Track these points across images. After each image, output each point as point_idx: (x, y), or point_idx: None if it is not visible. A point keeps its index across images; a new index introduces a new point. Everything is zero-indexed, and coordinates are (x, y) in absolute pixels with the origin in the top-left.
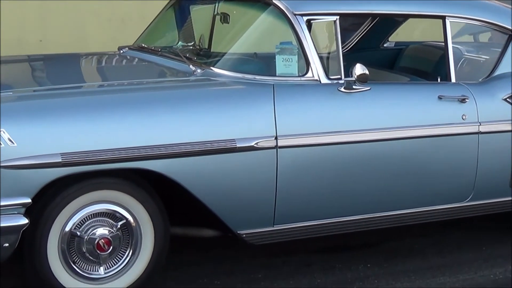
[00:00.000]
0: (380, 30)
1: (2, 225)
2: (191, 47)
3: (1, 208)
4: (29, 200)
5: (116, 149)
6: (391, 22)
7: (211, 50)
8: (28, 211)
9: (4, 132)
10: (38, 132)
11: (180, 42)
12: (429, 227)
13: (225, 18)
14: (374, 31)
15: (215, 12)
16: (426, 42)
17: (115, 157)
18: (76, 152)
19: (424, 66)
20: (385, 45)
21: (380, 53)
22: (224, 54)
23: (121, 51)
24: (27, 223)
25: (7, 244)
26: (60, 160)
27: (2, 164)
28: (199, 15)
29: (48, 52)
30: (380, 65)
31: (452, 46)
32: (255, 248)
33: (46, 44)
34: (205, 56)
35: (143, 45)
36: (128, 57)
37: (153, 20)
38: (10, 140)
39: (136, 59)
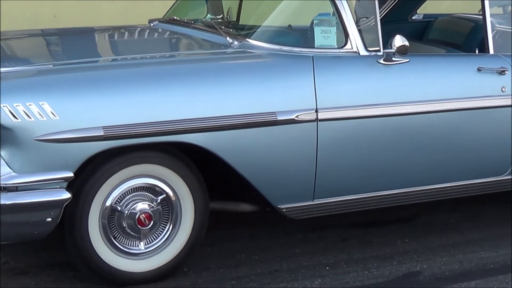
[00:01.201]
0: (409, 2)
1: (45, 199)
2: (220, 20)
3: (44, 182)
4: (72, 174)
5: (158, 122)
6: None
7: (240, 23)
8: (69, 185)
9: (46, 105)
10: (80, 105)
11: (208, 15)
12: (460, 202)
13: None
14: (403, 3)
15: None
16: (454, 14)
17: (157, 130)
18: (117, 125)
19: (454, 39)
20: (413, 17)
21: (408, 25)
22: (259, 26)
23: (152, 24)
24: (70, 197)
25: (49, 219)
26: (102, 134)
27: (44, 138)
28: None
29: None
30: (409, 37)
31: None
32: (289, 223)
33: (60, 19)
34: (239, 28)
35: (175, 17)
36: (160, 30)
37: None
38: (53, 113)
39: (169, 32)
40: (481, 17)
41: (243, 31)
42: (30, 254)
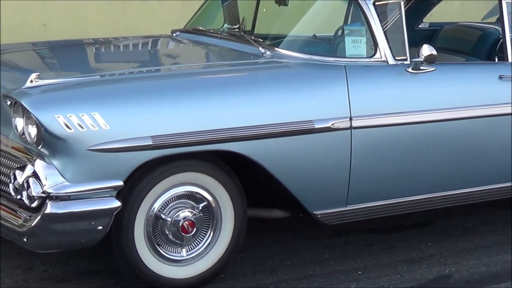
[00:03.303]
0: (415, 11)
1: (96, 208)
2: (237, 29)
3: (95, 191)
4: (121, 183)
5: (203, 131)
6: (426, 3)
7: (255, 32)
8: (117, 194)
9: (98, 116)
10: (129, 115)
11: (225, 25)
12: (473, 205)
13: (283, 0)
14: (409, 12)
15: None
16: (460, 22)
17: (202, 139)
18: (165, 134)
19: (462, 46)
20: (419, 26)
21: (415, 34)
22: (285, 35)
23: (174, 34)
24: (120, 206)
25: (100, 227)
26: (150, 143)
27: (96, 147)
28: None
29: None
30: (415, 46)
31: (499, 26)
32: (313, 228)
33: (49, 28)
34: (264, 38)
35: (200, 28)
36: (186, 40)
37: (203, 4)
38: (104, 124)
39: (196, 42)
40: (487, 25)
41: (268, 40)
42: (67, 263)
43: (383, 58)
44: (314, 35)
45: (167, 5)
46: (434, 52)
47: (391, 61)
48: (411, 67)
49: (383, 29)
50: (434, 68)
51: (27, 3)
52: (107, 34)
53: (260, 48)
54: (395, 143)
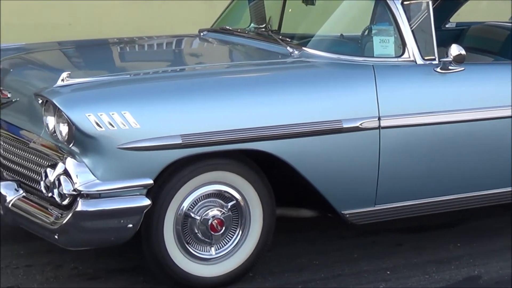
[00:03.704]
0: (443, 11)
1: (127, 206)
2: (263, 29)
3: (125, 189)
4: (151, 181)
5: (232, 130)
6: (454, 2)
7: (281, 31)
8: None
9: (128, 114)
10: (159, 113)
11: (252, 24)
12: (504, 206)
13: (310, 0)
14: (436, 12)
15: None
16: (487, 22)
17: (231, 138)
18: (195, 133)
19: (490, 46)
20: (446, 25)
21: (442, 33)
22: (312, 35)
23: (202, 34)
24: (150, 204)
25: (131, 225)
26: (180, 142)
27: (126, 146)
28: None
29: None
30: (442, 45)
31: None
32: (340, 228)
33: (74, 27)
34: (291, 37)
35: (227, 27)
36: (214, 40)
37: (229, 3)
38: (134, 122)
39: (224, 42)
40: None
41: (295, 40)
42: (96, 260)
43: (412, 58)
44: (342, 34)
45: (190, 4)
46: (463, 52)
47: (419, 61)
48: (439, 67)
49: (411, 29)
50: (463, 68)
51: (52, 3)
52: (131, 34)
53: (288, 48)
54: (423, 143)
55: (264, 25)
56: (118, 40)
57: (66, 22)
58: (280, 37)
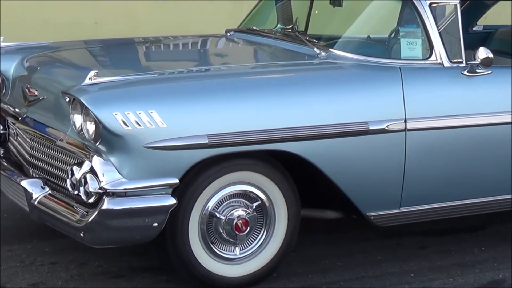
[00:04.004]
0: (470, 13)
1: (152, 204)
2: (290, 30)
3: (151, 188)
4: (177, 181)
5: (258, 131)
6: (481, 5)
7: (308, 33)
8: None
9: (155, 113)
10: (186, 113)
11: (279, 25)
12: None
13: (337, 1)
14: (464, 14)
15: None
16: None
17: (257, 138)
18: (221, 133)
19: None
20: (473, 28)
21: (469, 36)
22: (339, 36)
23: (229, 34)
24: (175, 203)
25: (156, 224)
26: (206, 141)
27: (153, 145)
28: None
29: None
30: (469, 48)
31: None
32: (365, 229)
33: (100, 26)
34: (318, 38)
35: (254, 27)
36: (241, 40)
37: (256, 4)
38: (161, 121)
39: (251, 42)
40: None
41: (322, 41)
42: (120, 258)
43: (439, 61)
44: (369, 36)
45: (217, 4)
46: (491, 55)
47: (446, 63)
48: (466, 70)
49: (438, 31)
50: (490, 71)
51: (79, 2)
52: (157, 33)
53: (315, 49)
54: (449, 145)
55: (290, 26)
56: (144, 39)
57: (92, 21)
58: (307, 38)
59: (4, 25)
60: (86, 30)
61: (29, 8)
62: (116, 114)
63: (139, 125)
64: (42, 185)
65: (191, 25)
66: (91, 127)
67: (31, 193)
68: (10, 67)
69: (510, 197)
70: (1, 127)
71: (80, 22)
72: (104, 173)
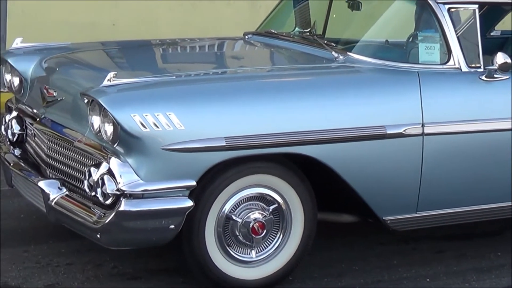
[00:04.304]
0: (488, 19)
1: (169, 206)
2: (308, 33)
3: (168, 190)
4: (194, 183)
5: (276, 134)
6: (499, 10)
7: (325, 36)
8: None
9: (173, 115)
10: (204, 115)
11: (296, 28)
12: None
13: (356, 5)
14: (482, 20)
15: (346, 0)
16: None
17: (275, 141)
18: (239, 136)
19: None
20: (491, 33)
21: (487, 41)
22: (357, 40)
23: (247, 37)
24: (192, 205)
25: (173, 226)
26: (224, 144)
27: (171, 147)
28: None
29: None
30: (487, 54)
31: None
32: (381, 233)
33: (119, 28)
34: (335, 42)
35: (272, 31)
36: (259, 43)
37: (275, 7)
38: (179, 123)
39: (268, 45)
40: None
41: (340, 45)
42: (136, 260)
43: (457, 65)
44: (387, 40)
45: (235, 6)
46: (509, 60)
47: (464, 68)
48: (484, 75)
49: (457, 36)
50: (508, 77)
51: (98, 3)
52: (176, 35)
53: (333, 53)
54: (466, 150)
55: (308, 29)
56: (161, 41)
57: (110, 22)
58: (325, 41)
59: (23, 25)
60: (104, 31)
61: (47, 9)
62: (134, 116)
63: (157, 127)
64: (60, 186)
65: (209, 27)
66: (109, 129)
67: (48, 194)
68: (29, 68)
69: None
70: (19, 128)
71: (98, 24)
72: (122, 174)
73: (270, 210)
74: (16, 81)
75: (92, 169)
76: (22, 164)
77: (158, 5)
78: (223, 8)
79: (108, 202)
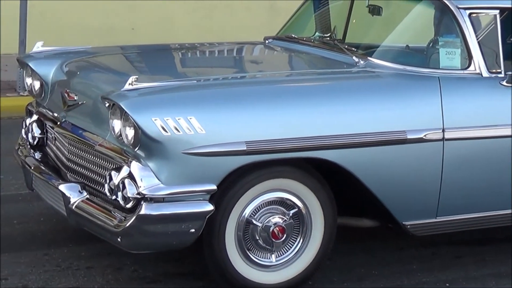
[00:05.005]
0: (508, 24)
1: (190, 210)
2: (328, 38)
3: (189, 194)
4: (215, 187)
5: (296, 138)
6: None
7: (345, 41)
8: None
9: (194, 120)
10: (224, 120)
11: (317, 33)
12: None
13: (377, 10)
14: (502, 25)
15: (366, 5)
16: None
17: (295, 146)
18: (259, 140)
19: None
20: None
21: (507, 47)
22: (378, 45)
23: (267, 41)
24: (212, 209)
25: (193, 230)
26: (245, 148)
27: (191, 151)
28: (337, 7)
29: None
30: (508, 59)
31: None
32: (400, 238)
33: (137, 32)
34: (356, 47)
35: (293, 35)
36: (279, 48)
37: (295, 12)
38: (200, 128)
39: (289, 50)
40: None
41: (360, 50)
42: (156, 264)
43: (477, 71)
44: (407, 45)
45: (253, 11)
46: None
47: (485, 73)
48: (505, 80)
49: (477, 41)
50: None
51: (116, 7)
52: (194, 39)
53: (354, 57)
54: (487, 156)
55: (329, 34)
56: (180, 45)
57: (129, 27)
58: (346, 46)
59: (42, 29)
60: (123, 35)
61: (66, 13)
62: (155, 120)
63: (178, 131)
64: (80, 189)
65: (227, 31)
66: (130, 133)
67: (69, 198)
68: (50, 71)
69: None
70: (40, 131)
71: (117, 28)
72: (143, 178)
73: (290, 214)
74: (37, 84)
75: (113, 172)
76: (43, 168)
77: (176, 10)
78: (242, 12)
79: (129, 205)
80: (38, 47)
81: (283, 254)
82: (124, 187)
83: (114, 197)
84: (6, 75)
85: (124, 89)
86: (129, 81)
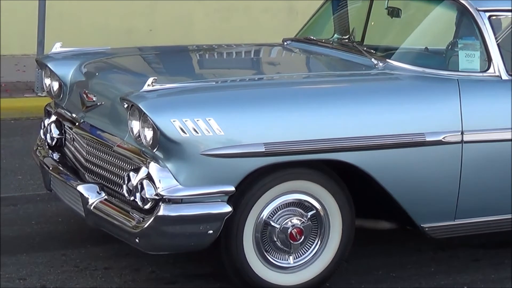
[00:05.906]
0: None
1: (208, 212)
2: (347, 40)
3: (207, 195)
4: (233, 188)
5: (314, 140)
6: None
7: (364, 43)
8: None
9: (213, 121)
10: (243, 121)
11: (335, 35)
12: None
13: (396, 12)
14: None
15: (385, 7)
16: None
17: (313, 148)
18: (278, 142)
19: None
20: None
21: None
22: (397, 48)
23: (286, 43)
24: (231, 211)
25: (211, 231)
26: (263, 150)
27: (210, 152)
28: (355, 9)
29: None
30: None
31: None
32: (417, 241)
33: (155, 33)
34: (374, 49)
35: (312, 37)
36: (297, 49)
37: (314, 13)
38: (218, 129)
39: (307, 52)
40: None
41: (379, 52)
42: (173, 265)
43: (497, 73)
44: (426, 47)
45: (272, 13)
46: None
47: (504, 76)
48: None
49: (497, 43)
50: None
51: (135, 8)
52: (212, 40)
53: (373, 59)
54: (505, 158)
55: (347, 36)
56: (198, 47)
57: (147, 28)
58: (365, 48)
59: (60, 29)
60: (141, 37)
61: (84, 14)
62: (174, 121)
63: (197, 132)
64: (98, 190)
65: (245, 33)
66: (149, 134)
67: (87, 198)
68: (68, 72)
69: None
70: (58, 132)
71: (135, 29)
72: (161, 179)
73: (308, 216)
74: (55, 85)
75: (131, 173)
76: (61, 168)
77: (194, 11)
78: (260, 14)
79: (147, 206)
80: (56, 48)
81: (301, 256)
82: (142, 188)
83: (132, 198)
84: (24, 76)
85: (143, 90)
86: (148, 82)
